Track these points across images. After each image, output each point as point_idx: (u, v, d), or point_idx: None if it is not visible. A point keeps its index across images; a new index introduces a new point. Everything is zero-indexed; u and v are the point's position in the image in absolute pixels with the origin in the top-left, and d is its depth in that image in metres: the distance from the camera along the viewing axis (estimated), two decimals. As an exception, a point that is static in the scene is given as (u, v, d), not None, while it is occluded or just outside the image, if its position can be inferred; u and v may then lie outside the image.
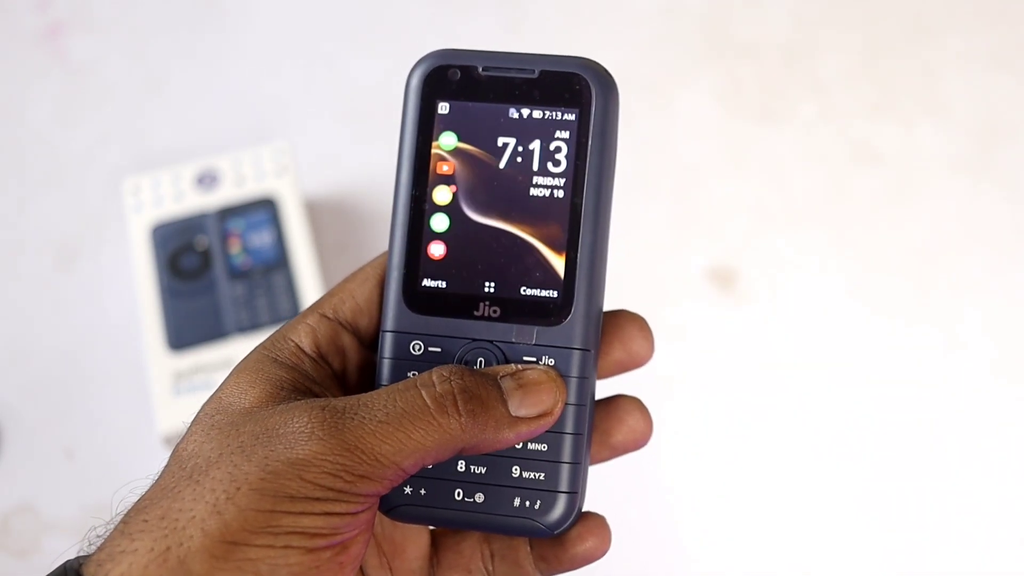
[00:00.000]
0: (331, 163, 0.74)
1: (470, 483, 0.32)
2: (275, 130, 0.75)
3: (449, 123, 0.33)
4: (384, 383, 0.32)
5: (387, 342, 0.33)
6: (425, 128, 0.33)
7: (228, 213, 0.65)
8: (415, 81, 0.33)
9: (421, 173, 0.33)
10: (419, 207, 0.33)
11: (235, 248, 0.64)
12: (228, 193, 0.66)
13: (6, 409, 0.65)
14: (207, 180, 0.66)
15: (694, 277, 0.70)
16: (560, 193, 0.32)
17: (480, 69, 0.33)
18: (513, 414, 0.30)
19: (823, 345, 0.68)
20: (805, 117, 0.76)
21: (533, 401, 0.30)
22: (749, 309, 0.69)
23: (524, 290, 0.32)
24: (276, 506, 0.26)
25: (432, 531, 0.34)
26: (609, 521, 0.34)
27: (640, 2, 0.81)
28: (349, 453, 0.27)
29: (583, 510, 0.33)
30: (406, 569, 0.33)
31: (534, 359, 0.32)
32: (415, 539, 0.34)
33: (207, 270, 0.63)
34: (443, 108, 0.33)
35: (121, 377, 0.65)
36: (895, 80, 0.77)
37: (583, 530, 0.33)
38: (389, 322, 0.33)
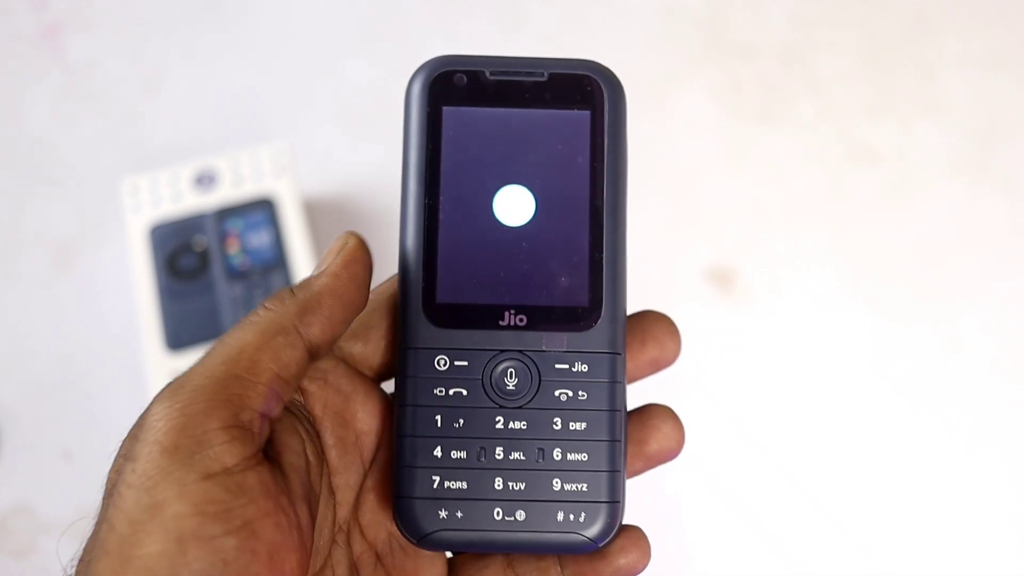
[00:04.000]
0: (329, 163, 0.74)
1: (510, 501, 0.31)
2: (274, 130, 0.75)
3: (459, 128, 0.32)
4: (408, 404, 0.31)
5: (409, 359, 0.31)
6: (433, 135, 0.32)
7: (226, 213, 0.65)
8: (418, 87, 0.32)
9: (432, 182, 0.32)
10: (433, 217, 0.32)
11: (233, 248, 0.64)
12: (226, 193, 0.66)
13: (4, 410, 0.65)
14: (205, 180, 0.66)
15: (694, 277, 0.70)
16: (579, 195, 0.32)
17: (487, 74, 0.32)
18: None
19: (822, 345, 0.68)
20: (804, 117, 0.76)
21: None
22: (748, 309, 0.69)
23: (550, 296, 0.31)
24: (158, 492, 0.25)
25: (449, 559, 0.33)
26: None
27: (639, 3, 0.80)
28: (187, 394, 0.27)
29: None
30: None
31: (566, 366, 0.31)
32: (429, 567, 0.32)
33: (205, 270, 0.63)
34: (451, 113, 0.32)
35: (119, 378, 0.65)
36: (893, 80, 0.77)
37: (625, 542, 0.32)
38: (410, 338, 0.31)
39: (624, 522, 0.32)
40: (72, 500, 0.61)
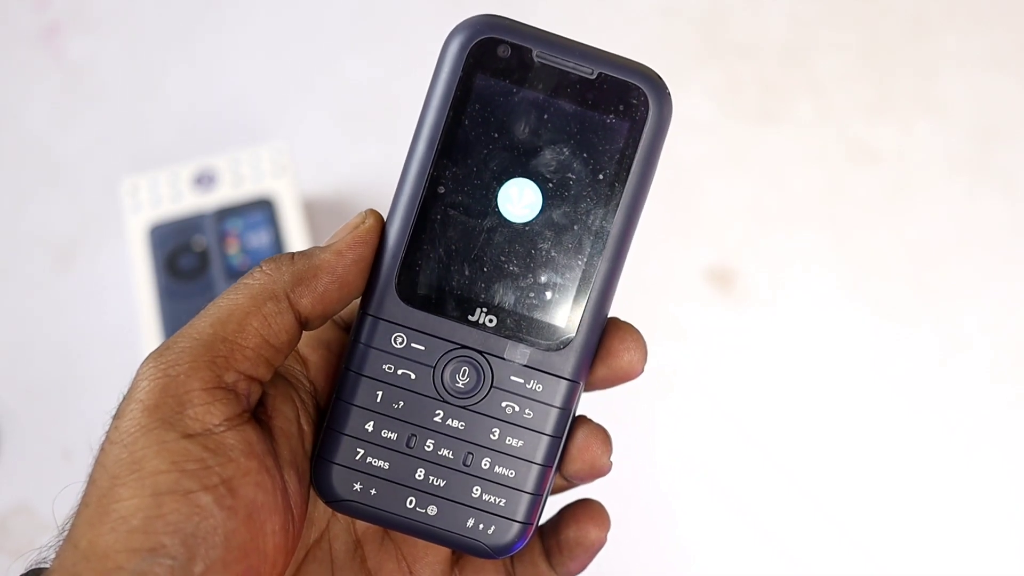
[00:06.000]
0: (329, 163, 0.74)
1: (425, 493, 0.30)
2: (273, 130, 0.75)
3: (487, 104, 0.30)
4: (353, 370, 0.30)
5: (366, 327, 0.30)
6: (458, 103, 0.30)
7: (226, 213, 0.65)
8: (456, 48, 0.30)
9: (443, 153, 0.30)
10: (433, 189, 0.30)
11: (233, 248, 0.64)
12: (226, 193, 0.66)
13: (4, 410, 0.65)
14: (205, 180, 0.66)
15: (693, 277, 0.70)
16: (589, 210, 0.30)
17: (534, 54, 0.30)
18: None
19: (822, 345, 0.68)
20: (803, 117, 0.76)
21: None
22: (748, 309, 0.69)
23: (527, 305, 0.30)
24: (137, 448, 0.26)
25: None
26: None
27: (639, 3, 0.80)
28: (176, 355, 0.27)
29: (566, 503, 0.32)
30: (428, 573, 0.32)
31: (521, 380, 0.30)
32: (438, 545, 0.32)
33: (205, 270, 0.63)
34: (483, 84, 0.30)
35: (119, 378, 0.65)
36: (893, 80, 0.77)
37: (579, 513, 0.32)
38: (373, 306, 0.30)
39: (612, 517, 0.32)
40: (72, 500, 0.61)
